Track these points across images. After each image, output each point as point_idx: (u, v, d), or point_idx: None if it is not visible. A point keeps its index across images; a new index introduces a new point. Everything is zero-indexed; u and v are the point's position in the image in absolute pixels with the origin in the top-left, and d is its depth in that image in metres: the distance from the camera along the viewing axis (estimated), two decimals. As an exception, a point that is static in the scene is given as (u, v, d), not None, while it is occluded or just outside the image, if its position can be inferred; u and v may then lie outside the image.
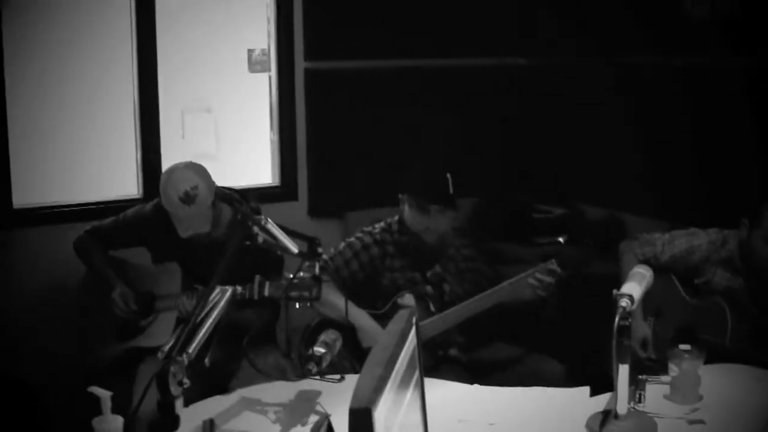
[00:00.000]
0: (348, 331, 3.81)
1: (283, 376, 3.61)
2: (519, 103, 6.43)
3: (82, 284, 4.36)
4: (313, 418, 2.97)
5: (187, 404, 2.63)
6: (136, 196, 5.32)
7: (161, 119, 5.40)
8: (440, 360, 4.21)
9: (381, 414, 1.80)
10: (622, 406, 2.84)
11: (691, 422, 2.92)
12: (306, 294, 3.11)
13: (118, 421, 2.58)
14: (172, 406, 2.37)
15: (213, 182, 4.05)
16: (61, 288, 4.62)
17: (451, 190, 4.16)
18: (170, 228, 4.11)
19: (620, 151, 5.86)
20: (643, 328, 4.22)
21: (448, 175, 4.17)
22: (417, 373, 2.26)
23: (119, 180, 5.37)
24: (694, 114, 5.32)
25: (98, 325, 4.22)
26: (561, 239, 5.85)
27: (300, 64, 5.78)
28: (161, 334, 3.97)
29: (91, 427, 2.57)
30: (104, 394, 2.58)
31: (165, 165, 5.21)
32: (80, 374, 4.01)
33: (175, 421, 2.39)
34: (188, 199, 3.89)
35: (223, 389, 3.35)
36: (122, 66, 5.28)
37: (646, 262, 4.22)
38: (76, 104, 5.22)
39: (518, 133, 6.45)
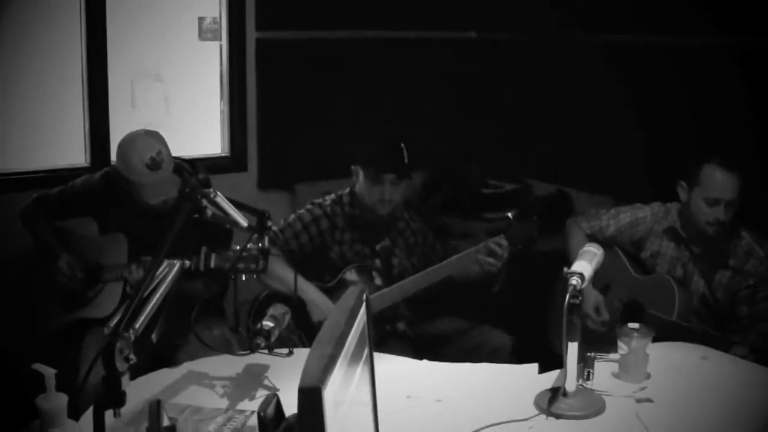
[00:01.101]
0: (297, 304, 3.79)
1: (230, 349, 3.60)
2: (473, 76, 6.44)
3: (30, 254, 4.32)
4: (261, 393, 2.96)
5: (133, 377, 2.60)
6: (84, 165, 5.26)
7: (110, 87, 5.32)
8: (387, 334, 4.21)
9: (330, 393, 1.79)
10: (571, 384, 2.86)
11: (639, 400, 2.94)
12: (252, 266, 3.09)
13: (62, 399, 2.55)
14: (118, 382, 2.35)
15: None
16: (7, 257, 4.56)
17: (405, 160, 4.15)
18: (118, 198, 4.07)
19: (570, 127, 5.89)
20: (594, 295, 4.24)
21: (402, 145, 4.16)
22: (367, 350, 2.25)
23: (67, 148, 5.31)
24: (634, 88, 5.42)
25: (44, 295, 4.18)
26: (510, 214, 5.85)
27: (251, 34, 5.73)
28: (108, 305, 3.96)
29: (35, 404, 2.54)
30: (48, 372, 2.54)
31: (114, 134, 5.18)
32: (27, 346, 3.98)
33: (122, 397, 2.37)
34: (154, 165, 3.86)
35: (171, 362, 3.32)
36: (70, 33, 5.20)
37: (592, 236, 4.27)
38: (23, 71, 5.15)
39: (470, 107, 6.46)
